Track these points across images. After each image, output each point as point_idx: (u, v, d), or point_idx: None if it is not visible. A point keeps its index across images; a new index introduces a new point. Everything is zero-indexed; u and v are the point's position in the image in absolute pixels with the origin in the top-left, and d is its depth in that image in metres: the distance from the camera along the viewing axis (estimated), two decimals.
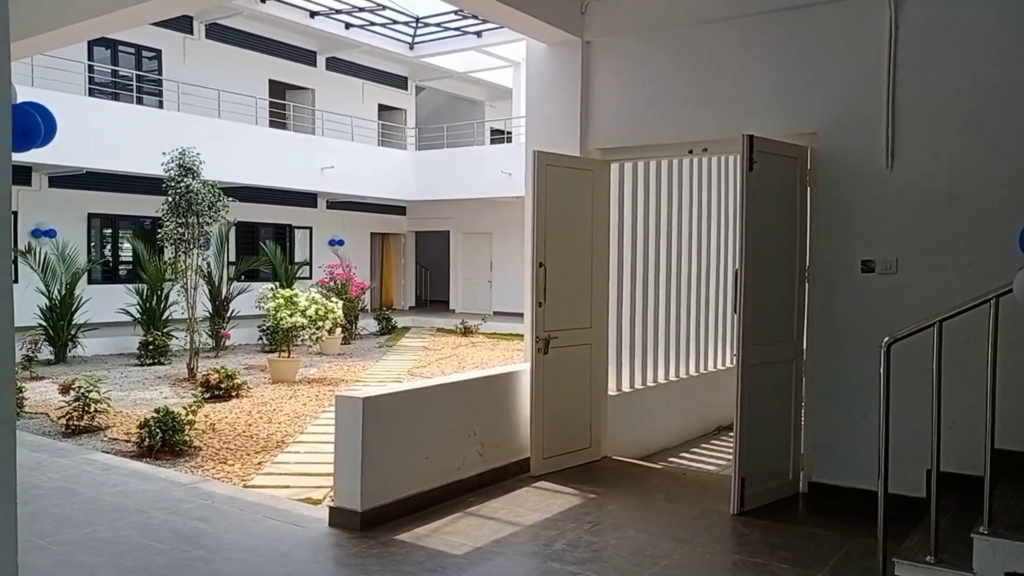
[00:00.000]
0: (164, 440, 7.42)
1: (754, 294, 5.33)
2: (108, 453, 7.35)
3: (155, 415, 7.55)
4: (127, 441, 7.94)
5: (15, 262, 13.85)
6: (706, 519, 5.22)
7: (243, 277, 16.96)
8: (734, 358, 8.66)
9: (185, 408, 8.02)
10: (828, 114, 5.59)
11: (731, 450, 7.43)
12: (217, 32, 19.10)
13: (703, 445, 7.85)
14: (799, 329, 5.73)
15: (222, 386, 10.48)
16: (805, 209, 5.70)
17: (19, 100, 3.86)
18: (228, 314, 15.91)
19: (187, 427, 7.66)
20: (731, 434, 8.04)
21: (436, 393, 5.57)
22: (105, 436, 8.27)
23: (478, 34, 20.74)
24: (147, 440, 7.39)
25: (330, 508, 5.00)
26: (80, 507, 5.19)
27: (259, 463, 7.36)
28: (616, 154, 6.62)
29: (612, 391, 6.87)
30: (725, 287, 8.82)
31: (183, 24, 18.09)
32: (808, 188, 5.70)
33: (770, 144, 5.43)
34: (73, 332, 14.20)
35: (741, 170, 5.32)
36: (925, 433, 3.92)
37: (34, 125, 3.71)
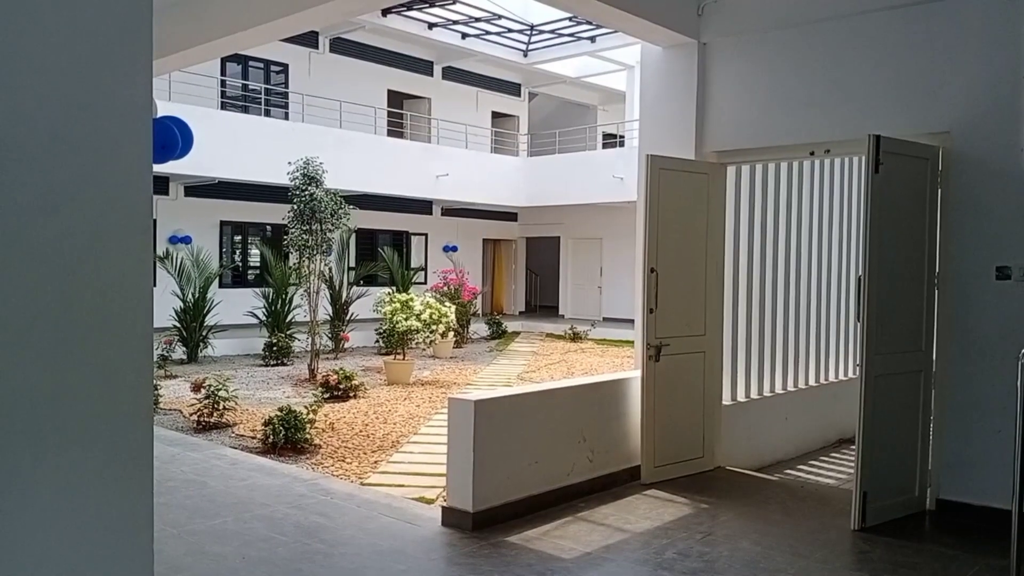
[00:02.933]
0: (287, 437, 7.74)
1: (879, 302, 5.11)
2: (236, 448, 7.73)
3: (278, 414, 7.89)
4: (253, 437, 8.33)
5: (154, 267, 14.76)
6: (824, 534, 5.03)
7: (362, 282, 17.54)
8: (857, 368, 8.35)
9: (306, 407, 8.34)
10: (961, 112, 5.30)
11: (852, 464, 7.15)
12: (340, 46, 19.81)
13: (822, 458, 7.57)
14: (928, 339, 5.45)
15: (341, 387, 10.84)
16: (935, 212, 5.43)
17: (159, 114, 4.12)
18: (347, 317, 16.48)
19: (308, 426, 7.97)
20: (852, 447, 7.74)
21: (546, 398, 5.60)
22: (233, 432, 8.70)
23: (592, 39, 20.72)
24: (271, 437, 7.74)
25: (443, 508, 5.10)
26: (210, 499, 5.49)
27: (375, 462, 7.58)
28: (733, 157, 6.49)
29: (727, 400, 6.73)
30: (848, 295, 8.49)
31: (309, 39, 18.89)
32: (939, 190, 5.43)
33: (898, 144, 5.20)
34: (205, 333, 15.00)
35: (866, 172, 5.11)
36: None
37: (172, 138, 3.96)
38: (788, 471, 7.00)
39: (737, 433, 6.73)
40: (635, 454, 6.03)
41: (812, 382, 7.97)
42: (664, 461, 6.09)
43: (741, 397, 6.96)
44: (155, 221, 16.54)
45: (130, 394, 2.22)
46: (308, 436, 7.94)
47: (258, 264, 18.54)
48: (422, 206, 21.97)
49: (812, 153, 6.17)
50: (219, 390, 8.99)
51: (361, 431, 8.90)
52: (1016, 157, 5.11)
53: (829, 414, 7.99)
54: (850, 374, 8.44)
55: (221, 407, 8.98)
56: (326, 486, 5.96)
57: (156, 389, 9.92)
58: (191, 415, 9.17)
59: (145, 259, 2.31)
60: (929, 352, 5.46)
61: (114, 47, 2.14)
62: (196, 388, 9.57)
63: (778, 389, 7.45)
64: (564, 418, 5.57)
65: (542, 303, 26.41)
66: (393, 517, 5.21)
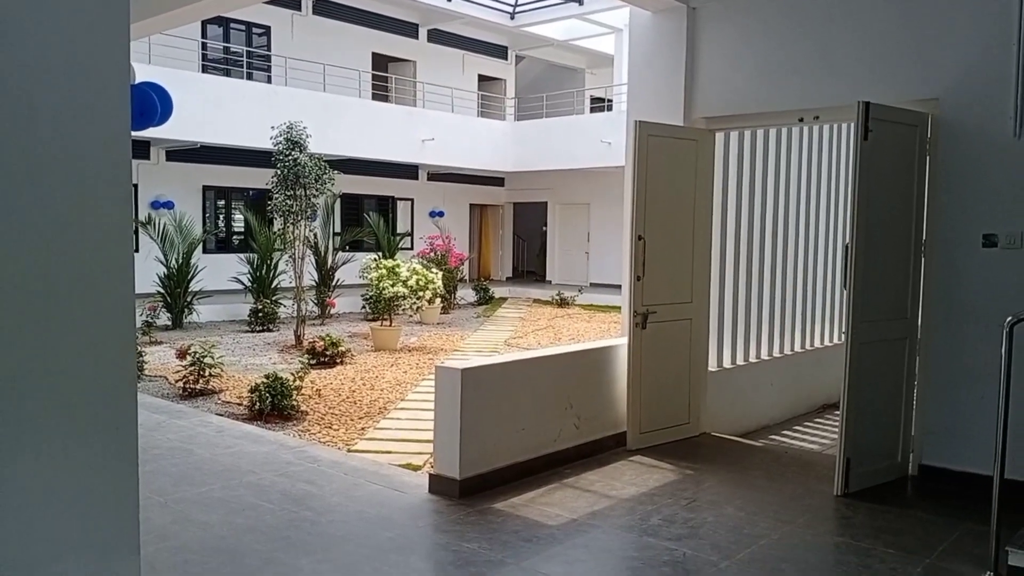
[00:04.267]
0: (273, 404, 7.73)
1: (865, 269, 5.11)
2: (222, 416, 7.72)
3: (265, 380, 7.87)
4: (239, 404, 8.31)
5: (136, 232, 14.62)
6: (808, 499, 5.08)
7: (348, 247, 17.45)
8: (842, 335, 8.39)
9: (292, 374, 8.32)
10: (951, 80, 5.26)
11: (836, 429, 7.22)
12: (323, 8, 19.48)
13: (806, 424, 7.64)
14: (914, 306, 5.47)
15: (327, 353, 10.82)
16: (923, 180, 5.41)
17: (137, 80, 4.03)
18: (333, 283, 16.41)
19: (295, 392, 7.96)
20: (836, 413, 7.81)
21: (533, 365, 5.59)
22: (219, 399, 8.68)
23: (579, 1, 20.48)
24: (257, 404, 7.72)
25: (430, 475, 5.11)
26: (196, 467, 5.48)
27: (362, 428, 7.59)
28: (722, 123, 6.44)
29: (713, 367, 6.75)
30: (834, 261, 8.51)
31: (292, 1, 18.58)
32: (927, 157, 5.41)
33: (887, 111, 5.17)
34: (189, 299, 14.92)
35: (855, 139, 5.08)
36: None
37: (151, 105, 3.88)
38: (773, 436, 7.06)
39: (723, 399, 6.77)
40: (621, 421, 6.05)
41: (798, 348, 8.02)
42: (650, 427, 6.12)
43: (727, 363, 6.99)
44: (136, 186, 16.35)
45: (113, 363, 2.20)
46: (295, 403, 7.93)
47: (242, 229, 18.39)
48: (408, 171, 21.80)
49: (801, 120, 6.13)
50: (204, 357, 8.95)
51: (348, 398, 8.90)
52: (1004, 125, 5.09)
53: (814, 380, 8.05)
54: (835, 340, 8.49)
55: (207, 374, 8.95)
56: (313, 453, 5.96)
57: (141, 356, 9.87)
58: (176, 382, 9.14)
59: (125, 228, 2.27)
60: (914, 319, 5.48)
61: (91, 13, 2.09)
62: (181, 355, 9.52)
63: (764, 355, 7.50)
64: (551, 385, 5.58)
65: (529, 268, 26.40)
66: (380, 484, 5.21)
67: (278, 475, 5.32)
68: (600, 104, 24.97)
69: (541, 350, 6.26)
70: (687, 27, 6.39)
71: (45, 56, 2.02)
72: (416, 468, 6.09)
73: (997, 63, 5.10)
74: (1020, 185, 5.06)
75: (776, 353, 7.68)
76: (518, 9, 21.94)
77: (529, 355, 5.84)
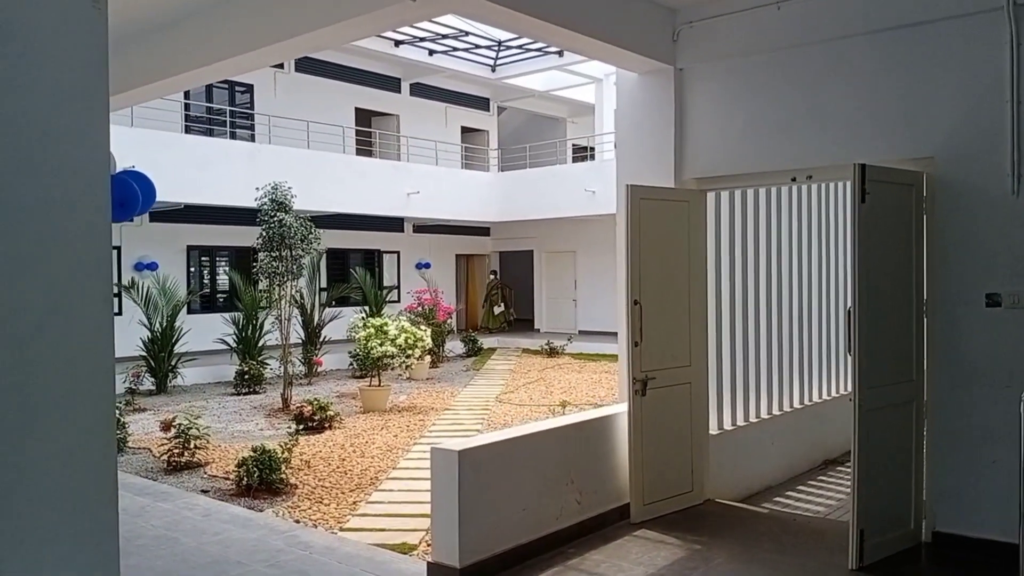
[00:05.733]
0: (261, 479, 7.47)
1: (869, 334, 4.99)
2: (208, 492, 7.46)
3: (252, 454, 7.61)
4: (226, 478, 8.04)
5: (119, 296, 14.37)
6: (823, 574, 4.89)
7: (334, 303, 17.24)
8: (840, 389, 8.28)
9: (281, 445, 8.07)
10: (946, 137, 5.21)
11: (839, 487, 7.06)
12: (306, 65, 19.51)
13: (809, 482, 7.46)
14: (919, 368, 5.34)
15: (315, 418, 10.55)
16: (922, 239, 5.33)
17: (118, 161, 3.89)
18: (320, 340, 16.17)
19: (283, 465, 7.71)
20: (838, 469, 7.66)
21: (532, 441, 5.39)
22: (205, 473, 8.40)
23: (559, 53, 20.63)
24: (245, 479, 7.47)
25: (428, 564, 4.88)
26: (182, 558, 5.22)
27: (354, 503, 7.33)
28: (713, 184, 6.36)
29: (713, 430, 6.59)
30: (829, 314, 8.42)
31: None
32: (925, 216, 5.33)
33: (883, 172, 5.10)
34: (173, 363, 14.62)
35: (852, 202, 5.00)
36: None
37: (132, 195, 3.75)
38: (777, 498, 6.87)
39: (725, 462, 6.59)
40: (624, 492, 5.86)
41: (796, 404, 7.87)
42: (653, 498, 5.92)
43: (728, 425, 6.83)
44: (119, 249, 16.14)
45: (95, 472, 2.05)
46: (283, 476, 7.67)
47: (227, 288, 18.18)
48: (394, 224, 21.73)
49: (794, 179, 6.05)
50: (190, 429, 8.68)
51: (338, 467, 8.64)
52: (1002, 182, 5.03)
53: (814, 436, 7.89)
54: (833, 393, 8.36)
55: (192, 446, 8.68)
56: (304, 539, 5.70)
57: (124, 427, 9.58)
58: (161, 455, 8.85)
59: (106, 328, 2.13)
60: (920, 382, 5.35)
61: (69, 106, 1.99)
62: (166, 428, 9.25)
63: (763, 414, 7.34)
64: (551, 461, 5.39)
65: (517, 317, 26.20)
66: (376, 573, 4.97)
67: (268, 566, 5.07)
68: (582, 153, 25.08)
69: (539, 424, 6.07)
70: (675, 88, 6.35)
71: (21, 150, 1.91)
72: (411, 548, 5.85)
73: (991, 120, 5.06)
74: (1021, 244, 4.98)
75: (776, 411, 7.52)
76: (499, 62, 22.12)
77: (527, 430, 5.64)
